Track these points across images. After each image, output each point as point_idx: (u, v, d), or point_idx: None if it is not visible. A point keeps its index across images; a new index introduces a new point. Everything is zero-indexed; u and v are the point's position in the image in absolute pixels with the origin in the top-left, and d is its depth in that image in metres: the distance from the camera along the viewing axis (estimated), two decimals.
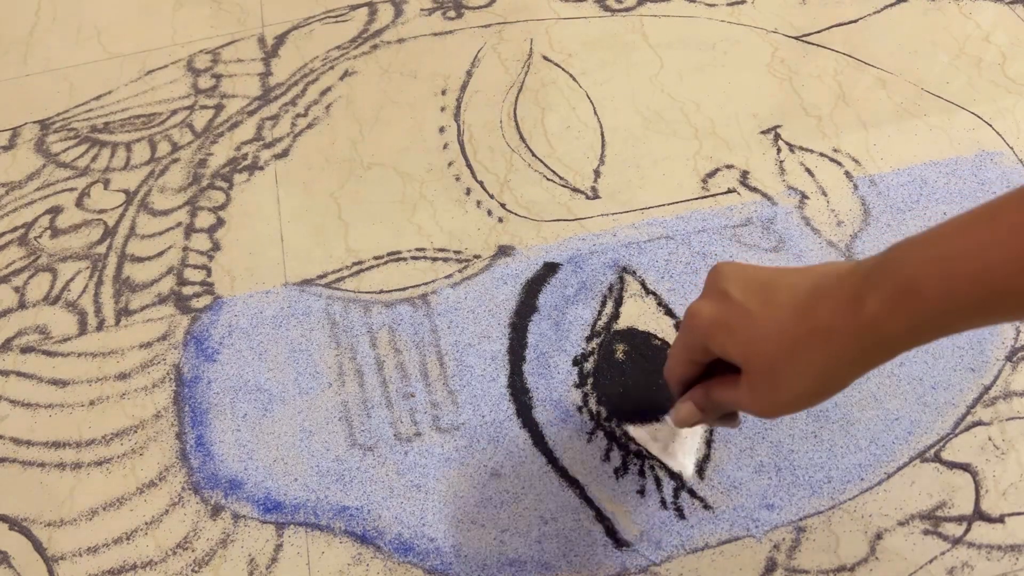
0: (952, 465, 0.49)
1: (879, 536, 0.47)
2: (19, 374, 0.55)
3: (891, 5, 0.72)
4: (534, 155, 0.63)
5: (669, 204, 0.60)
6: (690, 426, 0.44)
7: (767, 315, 0.35)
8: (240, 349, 0.55)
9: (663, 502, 0.48)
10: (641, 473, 0.49)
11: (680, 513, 0.48)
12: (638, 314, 0.55)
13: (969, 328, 0.32)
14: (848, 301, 0.33)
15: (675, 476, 0.49)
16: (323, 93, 0.69)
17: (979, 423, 0.50)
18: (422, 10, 0.74)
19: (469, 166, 0.63)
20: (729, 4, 0.73)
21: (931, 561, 0.46)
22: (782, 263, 0.57)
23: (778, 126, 0.64)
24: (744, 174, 0.62)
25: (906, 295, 0.31)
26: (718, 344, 0.38)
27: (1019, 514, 0.47)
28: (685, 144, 0.64)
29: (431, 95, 0.68)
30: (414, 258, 0.59)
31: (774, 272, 0.37)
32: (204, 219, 0.62)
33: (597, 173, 0.62)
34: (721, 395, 0.40)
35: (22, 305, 0.58)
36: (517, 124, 0.65)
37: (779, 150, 0.63)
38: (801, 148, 0.63)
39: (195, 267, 0.59)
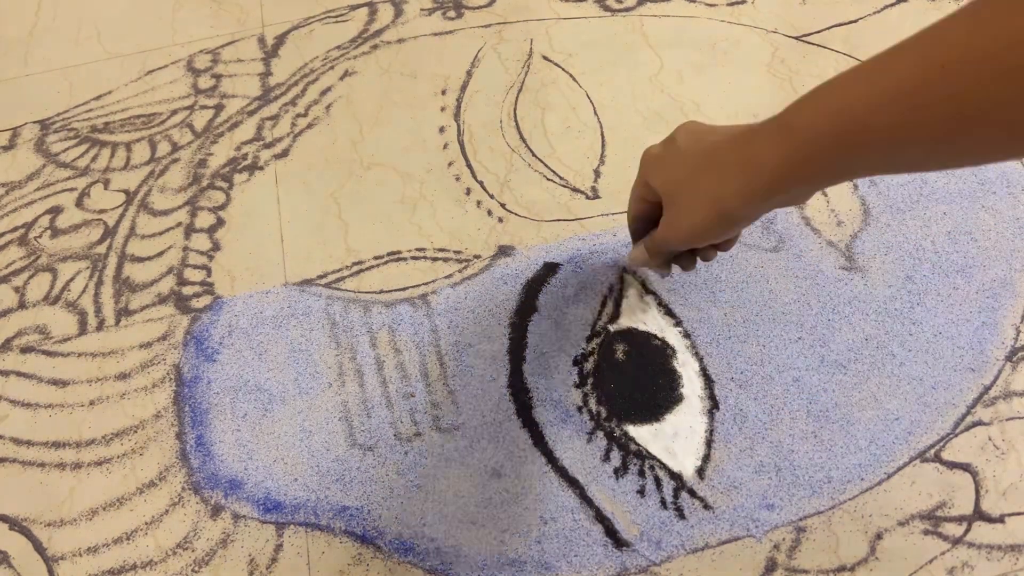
0: (952, 465, 0.49)
1: (879, 536, 0.47)
2: (19, 374, 0.55)
3: (891, 5, 0.72)
4: (534, 155, 0.63)
5: None
6: (641, 265, 0.51)
7: (689, 152, 0.41)
8: (240, 349, 0.55)
9: (663, 502, 0.48)
10: (641, 473, 0.49)
11: (680, 513, 0.48)
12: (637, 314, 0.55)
13: (840, 175, 0.35)
14: (742, 139, 0.38)
15: (675, 476, 0.49)
16: (323, 93, 0.69)
17: (979, 423, 0.50)
18: (422, 10, 0.74)
19: (469, 166, 0.63)
20: (729, 4, 0.73)
21: (931, 561, 0.46)
22: (782, 263, 0.57)
23: None
24: None
25: (782, 130, 0.35)
26: (652, 177, 0.44)
27: (1019, 514, 0.47)
28: None
29: (431, 95, 0.68)
30: (414, 258, 0.59)
31: (718, 127, 0.42)
32: (204, 219, 0.62)
33: (597, 173, 0.62)
34: (657, 233, 0.46)
35: (22, 305, 0.58)
36: (517, 124, 0.65)
37: None
38: None
39: (195, 267, 0.59)
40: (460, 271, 0.58)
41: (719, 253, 0.49)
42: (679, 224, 0.42)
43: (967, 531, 0.47)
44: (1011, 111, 0.28)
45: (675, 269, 0.52)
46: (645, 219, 0.48)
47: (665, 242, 0.45)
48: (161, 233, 0.61)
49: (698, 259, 0.49)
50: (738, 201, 0.38)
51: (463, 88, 0.68)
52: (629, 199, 0.48)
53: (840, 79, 0.33)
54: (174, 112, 0.68)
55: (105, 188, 0.64)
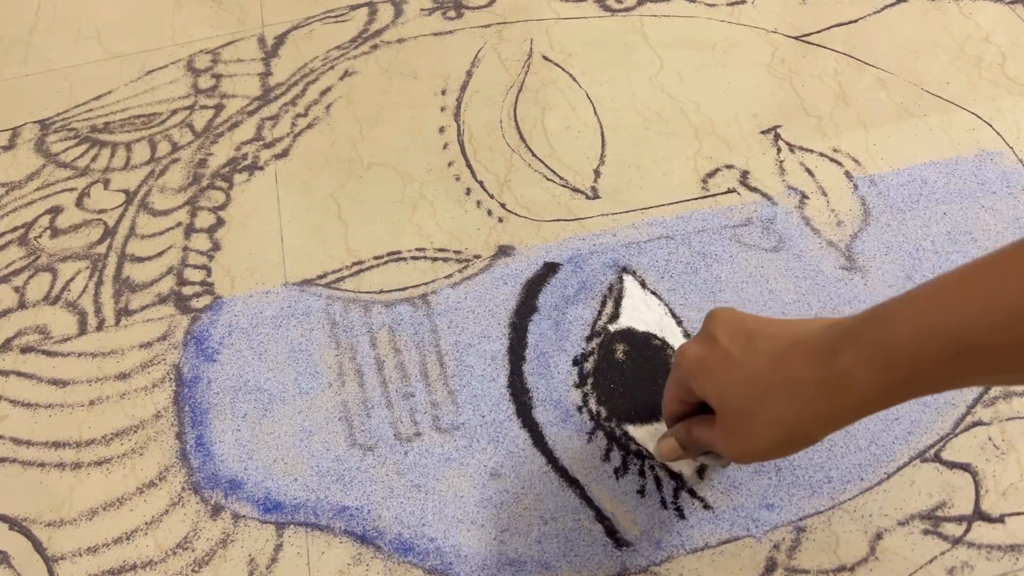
0: (952, 465, 0.49)
1: (879, 536, 0.47)
2: (19, 374, 0.55)
3: (891, 5, 0.72)
4: (534, 155, 0.63)
5: (669, 204, 0.60)
6: (671, 460, 0.46)
7: (746, 362, 0.36)
8: (240, 349, 0.55)
9: (663, 502, 0.48)
10: (641, 473, 0.49)
11: (680, 513, 0.48)
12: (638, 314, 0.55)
13: (942, 389, 0.31)
14: (823, 354, 0.33)
15: (675, 476, 0.49)
16: (323, 93, 0.69)
17: (979, 423, 0.50)
18: (422, 10, 0.74)
19: (469, 166, 0.63)
20: (729, 4, 0.73)
21: (931, 561, 0.46)
22: (782, 263, 0.57)
23: (778, 126, 0.64)
24: (744, 174, 0.62)
25: (879, 350, 0.31)
26: (699, 385, 0.39)
27: (1019, 514, 0.47)
28: (685, 144, 0.64)
29: (431, 95, 0.68)
30: (414, 258, 0.59)
31: (763, 321, 0.38)
32: (204, 219, 0.62)
33: (597, 173, 0.62)
34: (699, 433, 0.41)
35: (22, 305, 0.58)
36: (517, 124, 0.65)
37: (779, 150, 0.63)
38: (801, 148, 0.63)
39: (195, 267, 0.59)
40: (460, 271, 0.58)
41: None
42: (744, 445, 0.37)
43: (967, 531, 0.47)
44: None
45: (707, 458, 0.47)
46: (683, 416, 0.44)
47: (715, 448, 0.40)
48: (161, 233, 0.61)
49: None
50: (820, 426, 0.34)
51: (463, 88, 0.68)
52: (664, 395, 0.44)
53: (944, 290, 0.30)
54: (174, 112, 0.68)
55: (105, 188, 0.64)
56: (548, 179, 0.62)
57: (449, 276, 0.57)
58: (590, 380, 0.52)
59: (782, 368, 0.34)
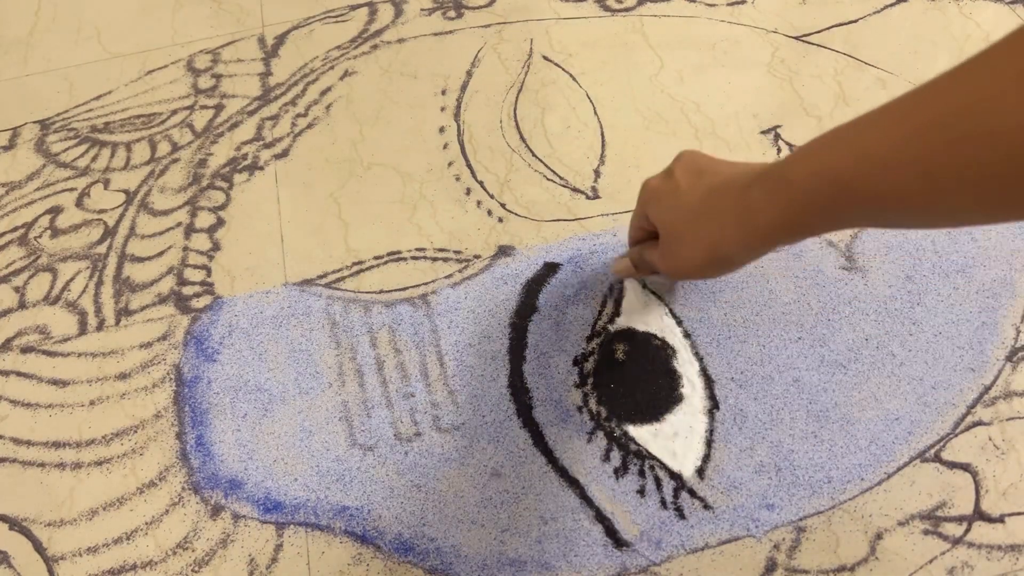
0: (952, 465, 0.49)
1: (879, 536, 0.47)
2: (19, 374, 0.55)
3: (891, 5, 0.72)
4: (534, 155, 0.63)
5: None
6: (624, 276, 0.55)
7: (688, 193, 0.42)
8: (240, 349, 0.55)
9: (663, 502, 0.48)
10: (641, 473, 0.49)
11: (680, 513, 0.48)
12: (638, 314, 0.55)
13: (833, 228, 0.36)
14: (741, 189, 0.38)
15: (675, 476, 0.49)
16: (323, 93, 0.69)
17: (979, 423, 0.50)
18: (422, 10, 0.74)
19: (469, 166, 0.63)
20: (729, 4, 0.73)
21: (931, 561, 0.46)
22: (781, 262, 0.57)
23: (778, 126, 0.64)
24: None
25: (779, 186, 0.36)
26: (651, 211, 0.45)
27: (1019, 514, 0.47)
28: (685, 144, 0.64)
29: (431, 95, 0.68)
30: (414, 258, 0.59)
31: (713, 162, 0.43)
32: (204, 219, 0.62)
33: (597, 173, 0.62)
34: (648, 255, 0.48)
35: (22, 305, 0.58)
36: (517, 124, 0.65)
37: (779, 150, 0.63)
38: None
39: (195, 267, 0.59)
40: (460, 271, 0.58)
41: None
42: (675, 262, 0.44)
43: (967, 531, 0.47)
44: (973, 176, 0.28)
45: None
46: (644, 242, 0.50)
47: (656, 266, 0.47)
48: (161, 233, 0.61)
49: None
50: (734, 248, 0.40)
51: (463, 88, 0.68)
52: (629, 225, 0.51)
53: (832, 136, 0.34)
54: (174, 112, 0.68)
55: (105, 188, 0.64)
56: (548, 179, 0.62)
57: (449, 276, 0.57)
58: (590, 380, 0.52)
59: (711, 199, 0.40)
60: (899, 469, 0.49)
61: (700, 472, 0.49)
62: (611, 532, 0.47)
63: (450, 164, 0.63)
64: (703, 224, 0.41)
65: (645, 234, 0.49)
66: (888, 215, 0.33)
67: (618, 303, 0.55)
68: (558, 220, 0.60)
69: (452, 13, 0.73)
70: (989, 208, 0.29)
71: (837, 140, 0.34)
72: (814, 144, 0.35)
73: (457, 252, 0.59)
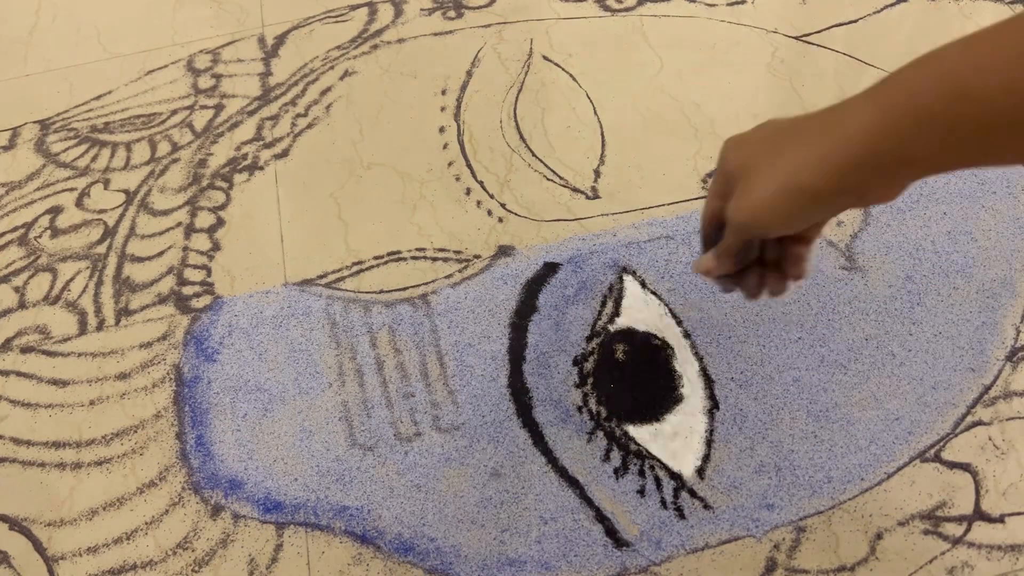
0: (952, 465, 0.49)
1: (879, 536, 0.47)
2: (19, 374, 0.55)
3: (891, 5, 0.72)
4: (534, 155, 0.63)
5: (669, 204, 0.60)
6: (703, 271, 0.43)
7: (767, 129, 0.38)
8: (240, 349, 0.55)
9: (663, 502, 0.48)
10: (641, 473, 0.49)
11: (680, 513, 0.48)
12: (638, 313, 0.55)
13: (931, 157, 0.32)
14: (831, 108, 0.34)
15: (675, 476, 0.49)
16: (323, 93, 0.69)
17: (979, 423, 0.50)
18: (422, 10, 0.74)
19: (469, 166, 0.63)
20: (729, 4, 0.73)
21: (931, 561, 0.46)
22: None
23: None
24: None
25: (878, 89, 0.32)
26: (729, 159, 0.39)
27: (1019, 514, 0.47)
28: (685, 144, 0.64)
29: (431, 95, 0.68)
30: (414, 258, 0.59)
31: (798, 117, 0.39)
32: (204, 219, 0.62)
33: (597, 173, 0.62)
34: (726, 211, 0.40)
35: (22, 305, 0.58)
36: (517, 124, 0.65)
37: None
38: None
39: (195, 267, 0.59)
40: (460, 271, 0.58)
41: (790, 283, 0.42)
42: (747, 201, 0.37)
43: (967, 531, 0.47)
44: None
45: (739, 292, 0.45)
46: (720, 224, 0.42)
47: (732, 227, 0.39)
48: (161, 233, 0.61)
49: (764, 289, 0.43)
50: (816, 174, 0.34)
51: (463, 88, 0.68)
52: (704, 204, 0.42)
53: (946, 47, 0.30)
54: (174, 112, 0.68)
55: (105, 188, 0.64)
56: (548, 179, 0.62)
57: (449, 276, 0.57)
58: (590, 380, 0.52)
59: (796, 121, 0.36)
60: (899, 469, 0.49)
61: (700, 472, 0.49)
62: (611, 532, 0.47)
63: (450, 164, 0.63)
64: (783, 151, 0.35)
65: (721, 203, 0.41)
66: (1004, 134, 0.29)
67: (618, 303, 0.55)
68: (558, 220, 0.60)
69: (452, 13, 0.73)
70: None
71: (955, 49, 0.30)
72: (921, 57, 0.31)
73: (457, 252, 0.59)
